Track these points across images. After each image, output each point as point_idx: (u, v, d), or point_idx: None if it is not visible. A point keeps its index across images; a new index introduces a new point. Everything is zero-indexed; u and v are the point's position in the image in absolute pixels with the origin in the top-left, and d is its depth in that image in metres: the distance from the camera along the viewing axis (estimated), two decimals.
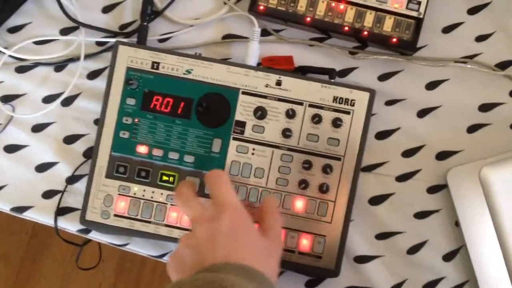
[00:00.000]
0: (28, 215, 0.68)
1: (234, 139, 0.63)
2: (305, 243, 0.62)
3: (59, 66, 0.69)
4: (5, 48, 0.69)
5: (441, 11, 0.66)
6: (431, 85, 0.66)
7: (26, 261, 1.47)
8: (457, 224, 0.64)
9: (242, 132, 0.63)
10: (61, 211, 0.67)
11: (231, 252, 0.51)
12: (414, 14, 0.64)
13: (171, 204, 0.63)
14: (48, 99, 0.69)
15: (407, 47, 0.64)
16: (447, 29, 0.66)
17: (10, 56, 0.69)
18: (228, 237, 0.51)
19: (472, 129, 0.65)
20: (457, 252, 0.64)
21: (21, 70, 0.70)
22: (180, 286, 0.47)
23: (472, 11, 0.66)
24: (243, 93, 0.63)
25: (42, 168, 0.68)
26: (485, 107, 0.65)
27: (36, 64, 0.70)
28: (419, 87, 0.66)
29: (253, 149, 0.62)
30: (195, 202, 0.56)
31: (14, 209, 0.68)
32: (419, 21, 0.64)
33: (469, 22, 0.66)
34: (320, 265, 0.62)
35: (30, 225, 1.47)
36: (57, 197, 0.67)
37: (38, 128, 0.69)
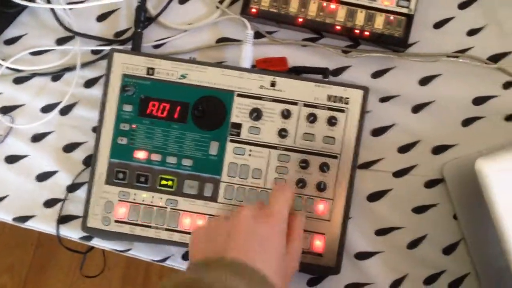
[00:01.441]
0: (30, 224, 0.69)
1: (231, 141, 0.63)
2: (305, 241, 0.62)
3: (56, 75, 0.70)
4: (2, 59, 0.69)
5: (432, 7, 0.66)
6: (424, 81, 0.66)
7: (32, 272, 1.48)
8: (455, 217, 0.64)
9: (238, 134, 0.63)
10: (63, 219, 0.68)
11: (255, 258, 0.51)
12: (405, 10, 0.64)
13: (171, 208, 0.63)
14: (46, 109, 0.70)
15: (399, 44, 0.65)
16: (438, 24, 0.67)
17: (7, 67, 0.70)
18: (259, 245, 0.52)
19: (467, 122, 0.65)
20: (457, 245, 0.64)
21: (18, 81, 0.71)
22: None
23: (463, 5, 0.67)
24: (238, 95, 0.63)
25: (42, 177, 0.69)
26: (478, 100, 0.65)
27: (33, 75, 0.70)
28: (412, 83, 0.66)
29: (250, 150, 0.63)
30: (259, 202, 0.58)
31: (16, 219, 0.69)
32: (410, 18, 0.64)
33: (460, 17, 0.67)
34: (321, 263, 0.62)
35: (35, 235, 1.48)
36: (59, 205, 0.68)
37: (37, 137, 0.69)
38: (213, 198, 0.63)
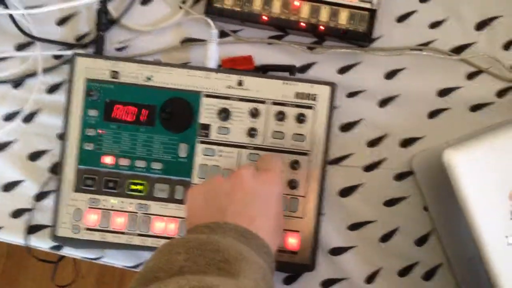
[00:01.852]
0: None
1: (200, 142, 0.63)
2: None
3: (17, 83, 0.68)
4: None
5: (394, 1, 0.67)
6: (390, 75, 0.67)
7: (3, 284, 1.45)
8: (426, 209, 0.65)
9: (207, 135, 0.63)
10: (32, 229, 0.66)
11: (257, 224, 0.51)
12: (368, 5, 0.64)
13: (142, 213, 0.63)
14: (8, 117, 0.68)
15: (363, 39, 0.65)
16: (401, 18, 0.67)
17: None
18: (259, 208, 0.52)
19: (433, 114, 0.66)
20: (428, 236, 0.65)
21: None
22: (172, 248, 0.46)
23: None
24: (206, 95, 0.63)
25: (8, 187, 0.67)
26: (443, 92, 0.66)
27: None
28: (378, 77, 0.67)
29: (220, 151, 0.63)
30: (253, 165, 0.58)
31: None
32: (373, 13, 0.64)
33: (421, 10, 0.67)
34: (296, 261, 0.62)
35: (3, 247, 1.45)
36: (26, 215, 0.66)
37: (0, 147, 0.68)
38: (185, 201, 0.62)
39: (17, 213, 0.67)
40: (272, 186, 0.55)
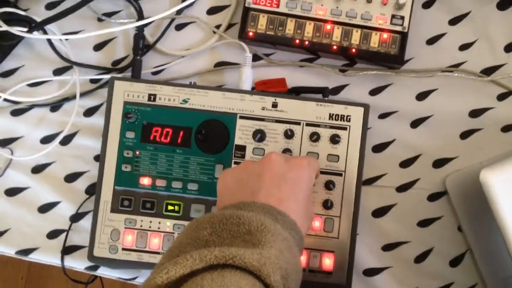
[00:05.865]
0: (33, 257, 0.68)
1: (236, 163, 0.64)
2: (314, 260, 0.62)
3: (55, 106, 0.70)
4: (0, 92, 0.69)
5: (424, 24, 0.68)
6: (421, 96, 0.68)
7: None
8: (460, 229, 0.65)
9: (243, 156, 0.64)
10: (67, 250, 0.67)
11: (285, 205, 0.51)
12: (399, 28, 0.66)
13: (179, 234, 0.63)
14: (46, 140, 0.69)
15: (394, 61, 0.66)
16: (431, 41, 0.68)
17: (5, 100, 0.69)
18: (289, 190, 0.52)
19: (465, 135, 0.67)
20: (463, 257, 0.65)
21: (16, 113, 0.70)
22: (199, 224, 0.47)
23: (453, 21, 0.68)
24: (241, 117, 0.64)
25: (44, 208, 0.68)
26: (475, 113, 0.67)
27: (32, 106, 0.70)
28: (409, 98, 0.68)
29: None
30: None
31: (19, 252, 0.68)
32: (404, 35, 0.66)
33: (451, 32, 0.68)
34: (331, 281, 0.62)
35: (24, 269, 1.45)
36: (62, 236, 0.67)
37: (38, 169, 0.69)
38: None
39: (53, 234, 0.68)
40: (301, 171, 0.55)
